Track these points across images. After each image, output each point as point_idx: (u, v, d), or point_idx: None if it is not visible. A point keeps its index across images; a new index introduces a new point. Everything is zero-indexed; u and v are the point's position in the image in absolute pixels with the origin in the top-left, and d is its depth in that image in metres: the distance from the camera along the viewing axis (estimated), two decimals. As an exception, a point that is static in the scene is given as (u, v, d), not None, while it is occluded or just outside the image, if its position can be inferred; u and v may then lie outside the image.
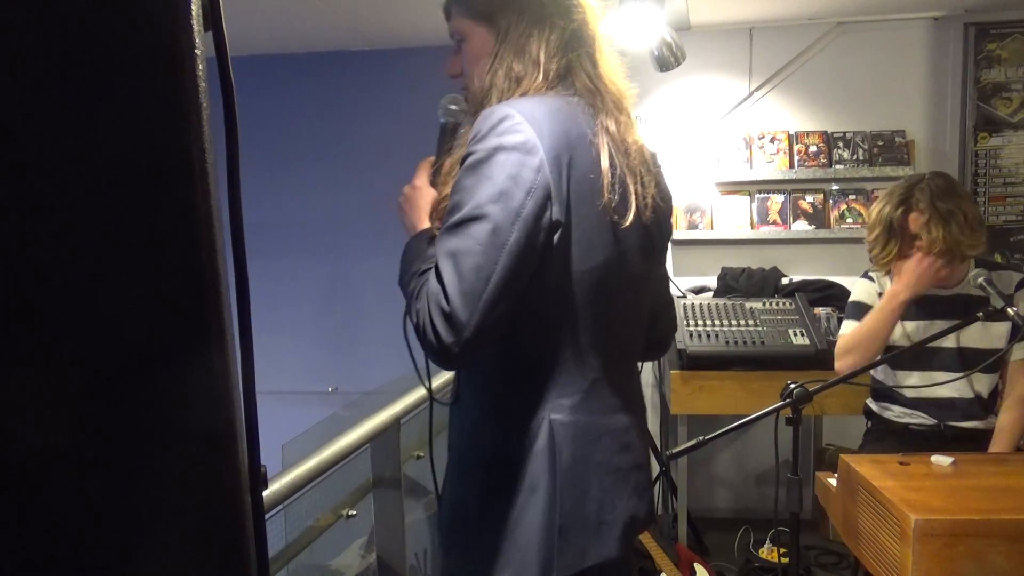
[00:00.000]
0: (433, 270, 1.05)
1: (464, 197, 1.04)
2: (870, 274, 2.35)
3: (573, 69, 1.16)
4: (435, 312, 1.01)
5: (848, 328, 2.33)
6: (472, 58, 1.28)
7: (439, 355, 1.04)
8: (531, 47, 1.15)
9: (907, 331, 2.21)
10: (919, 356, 2.19)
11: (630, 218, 1.12)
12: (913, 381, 2.22)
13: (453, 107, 1.39)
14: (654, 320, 1.32)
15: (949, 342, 2.17)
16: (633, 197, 1.13)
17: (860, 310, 2.32)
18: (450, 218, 1.05)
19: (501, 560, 1.11)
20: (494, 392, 1.16)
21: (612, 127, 1.14)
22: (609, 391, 1.17)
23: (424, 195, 1.29)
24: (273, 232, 4.03)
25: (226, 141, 0.60)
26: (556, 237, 1.06)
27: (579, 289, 1.10)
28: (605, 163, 1.09)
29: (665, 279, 1.38)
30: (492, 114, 1.06)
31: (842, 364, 2.25)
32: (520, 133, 1.04)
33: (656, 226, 1.21)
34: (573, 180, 1.07)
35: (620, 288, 1.16)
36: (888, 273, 2.26)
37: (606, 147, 1.11)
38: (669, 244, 1.34)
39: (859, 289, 2.37)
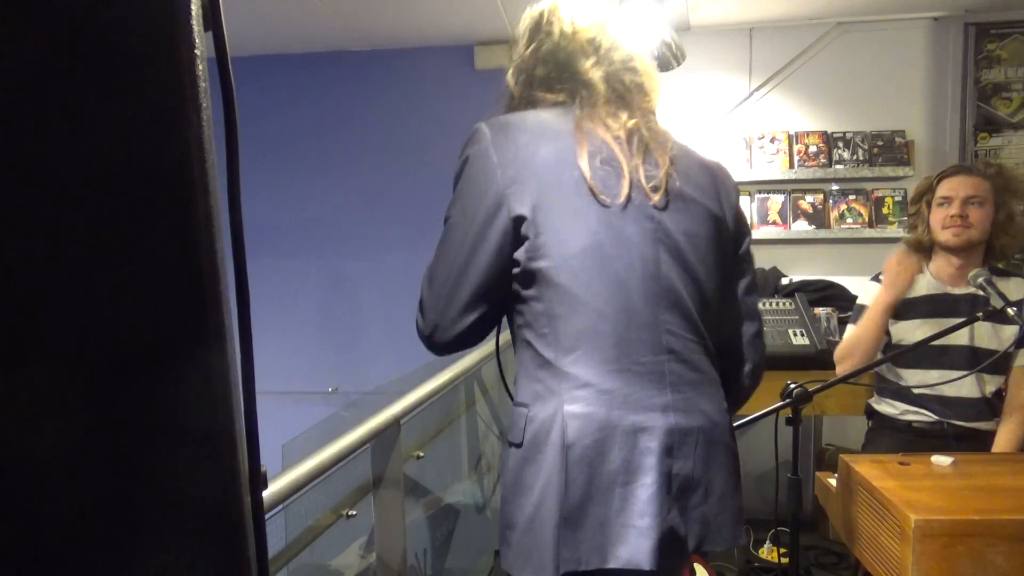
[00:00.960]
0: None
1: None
2: (880, 277, 2.34)
3: (550, 82, 1.26)
4: (417, 313, 1.23)
5: (847, 333, 2.36)
6: None
7: (426, 347, 1.23)
8: (508, 76, 1.31)
9: (919, 329, 2.21)
10: (929, 354, 2.20)
11: (620, 200, 1.15)
12: (919, 378, 2.22)
13: None
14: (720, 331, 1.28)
15: (961, 341, 2.17)
16: (626, 181, 1.16)
17: (862, 314, 2.33)
18: None
19: (520, 540, 1.15)
20: (519, 377, 1.21)
21: (596, 122, 1.19)
22: (639, 387, 1.13)
23: None
24: (273, 232, 4.03)
25: (226, 141, 0.60)
26: (525, 229, 1.13)
27: (567, 275, 1.13)
28: (583, 157, 1.15)
29: (729, 282, 1.31)
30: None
31: (840, 369, 2.27)
32: (477, 143, 1.18)
33: (683, 211, 1.20)
34: (539, 175, 1.14)
35: (622, 275, 1.14)
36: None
37: (584, 141, 1.16)
38: (742, 248, 1.33)
39: (868, 292, 2.37)
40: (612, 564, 1.10)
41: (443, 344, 1.20)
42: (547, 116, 1.21)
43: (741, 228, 1.33)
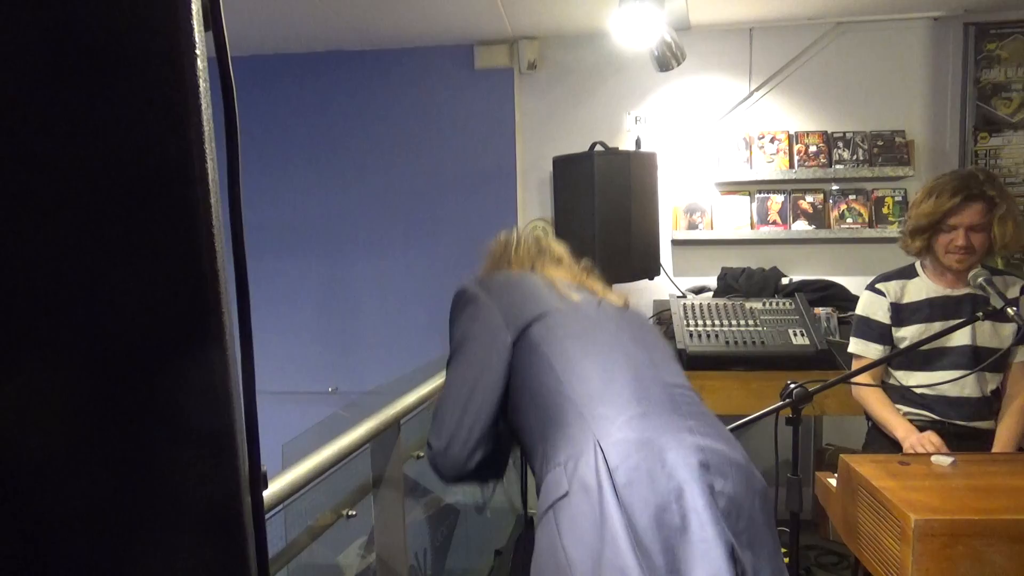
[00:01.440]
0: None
1: None
2: (878, 287, 2.33)
3: (521, 259, 1.59)
4: (431, 440, 1.36)
5: (859, 348, 2.34)
6: None
7: (436, 474, 1.37)
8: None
9: (923, 335, 2.19)
10: (932, 356, 2.20)
11: (597, 301, 1.46)
12: (921, 379, 2.22)
13: None
14: None
15: (963, 341, 2.17)
16: (597, 294, 1.50)
17: (869, 327, 2.32)
18: None
19: None
20: (547, 458, 1.28)
21: (555, 269, 1.56)
22: (660, 412, 1.23)
23: None
24: (273, 232, 4.03)
25: (226, 141, 0.60)
26: (521, 344, 1.34)
27: (563, 336, 1.33)
28: (556, 282, 1.47)
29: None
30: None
31: (854, 394, 2.36)
32: (468, 295, 1.44)
33: (633, 311, 1.53)
34: (525, 296, 1.41)
35: (611, 332, 1.38)
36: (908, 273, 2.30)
37: (553, 280, 1.49)
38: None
39: (866, 303, 2.36)
40: None
41: (457, 464, 1.32)
42: (519, 270, 1.54)
43: None
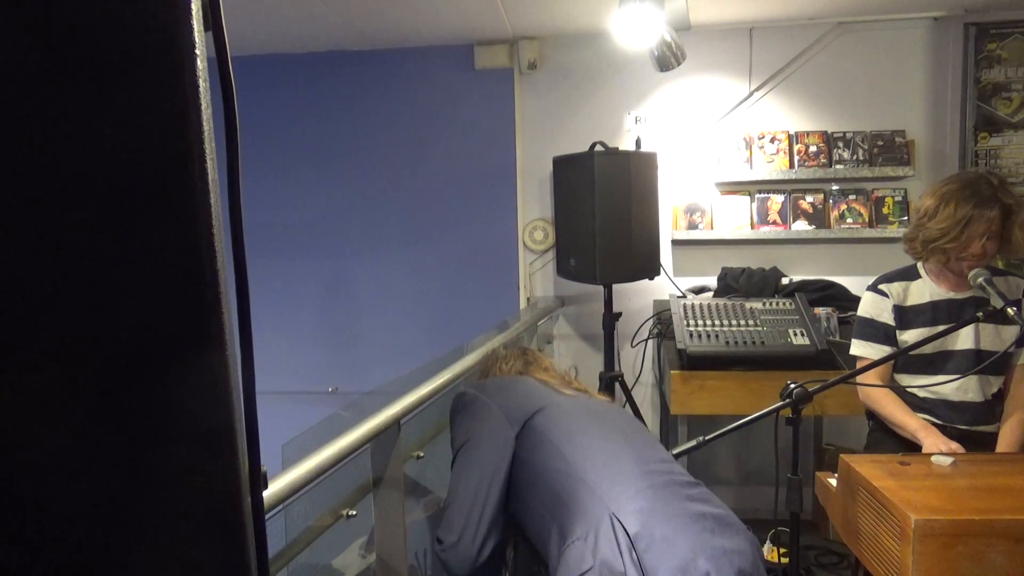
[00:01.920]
0: None
1: None
2: (881, 288, 2.29)
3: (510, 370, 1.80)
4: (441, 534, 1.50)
5: (862, 350, 2.30)
6: None
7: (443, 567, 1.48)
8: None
9: (924, 336, 2.16)
10: (935, 358, 2.18)
11: (587, 396, 1.66)
12: (924, 383, 2.20)
13: None
14: None
15: (967, 345, 2.15)
16: (586, 394, 1.68)
17: (872, 328, 2.28)
18: None
19: None
20: (563, 539, 1.36)
21: (543, 374, 1.75)
22: (662, 484, 1.35)
23: None
24: (273, 232, 4.03)
25: (226, 141, 0.60)
26: (525, 436, 1.47)
27: (562, 422, 1.48)
28: (548, 386, 1.65)
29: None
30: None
31: (861, 396, 2.34)
32: (468, 399, 1.62)
33: (619, 409, 1.73)
34: (519, 395, 1.58)
35: (603, 417, 1.53)
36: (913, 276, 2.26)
37: (546, 379, 1.68)
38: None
39: (869, 304, 2.32)
40: None
41: (469, 558, 1.41)
42: (509, 376, 1.71)
43: None
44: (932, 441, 2.07)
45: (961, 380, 2.16)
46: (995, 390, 2.20)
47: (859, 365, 2.28)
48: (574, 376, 1.79)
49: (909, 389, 2.23)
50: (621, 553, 1.22)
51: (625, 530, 1.24)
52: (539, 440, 1.45)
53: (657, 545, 1.22)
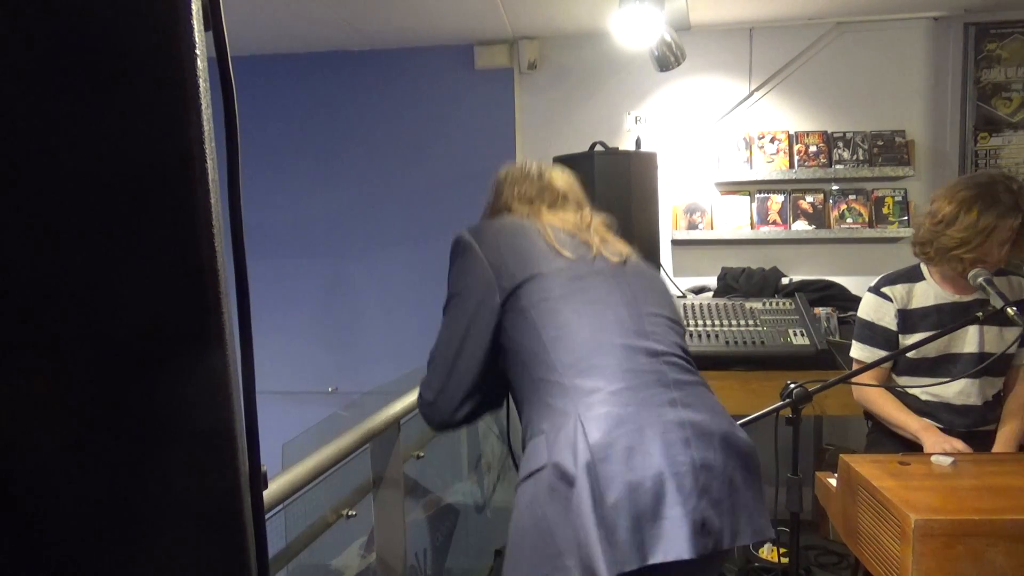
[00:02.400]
0: None
1: None
2: (884, 291, 2.23)
3: (511, 202, 1.56)
4: (422, 389, 1.42)
5: (863, 354, 2.26)
6: None
7: (425, 421, 1.42)
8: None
9: (932, 343, 2.12)
10: (939, 362, 2.16)
11: (591, 256, 1.40)
12: (925, 384, 2.17)
13: None
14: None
15: (971, 348, 2.14)
16: (594, 247, 1.42)
17: (874, 332, 2.24)
18: None
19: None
20: (531, 422, 1.30)
21: (556, 217, 1.48)
22: (644, 386, 1.23)
23: None
24: (273, 232, 4.03)
25: (226, 141, 0.60)
26: (510, 306, 1.33)
27: (553, 303, 1.31)
28: (549, 234, 1.41)
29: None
30: None
31: (856, 396, 2.31)
32: (462, 244, 1.41)
33: (642, 271, 1.46)
34: (516, 251, 1.37)
35: (602, 296, 1.34)
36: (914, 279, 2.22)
37: (546, 226, 1.43)
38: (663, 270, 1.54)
39: (871, 307, 2.26)
40: (652, 560, 1.11)
41: (446, 416, 1.37)
42: (511, 217, 1.49)
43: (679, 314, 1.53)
44: (933, 441, 2.06)
45: (964, 384, 2.14)
46: (994, 391, 2.19)
47: (856, 367, 2.25)
48: (590, 221, 1.50)
49: (911, 391, 2.22)
50: (576, 458, 1.14)
51: (586, 436, 1.16)
52: (522, 316, 1.31)
53: (617, 455, 1.14)
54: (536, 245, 1.38)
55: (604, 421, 1.17)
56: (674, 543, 1.11)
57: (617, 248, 1.45)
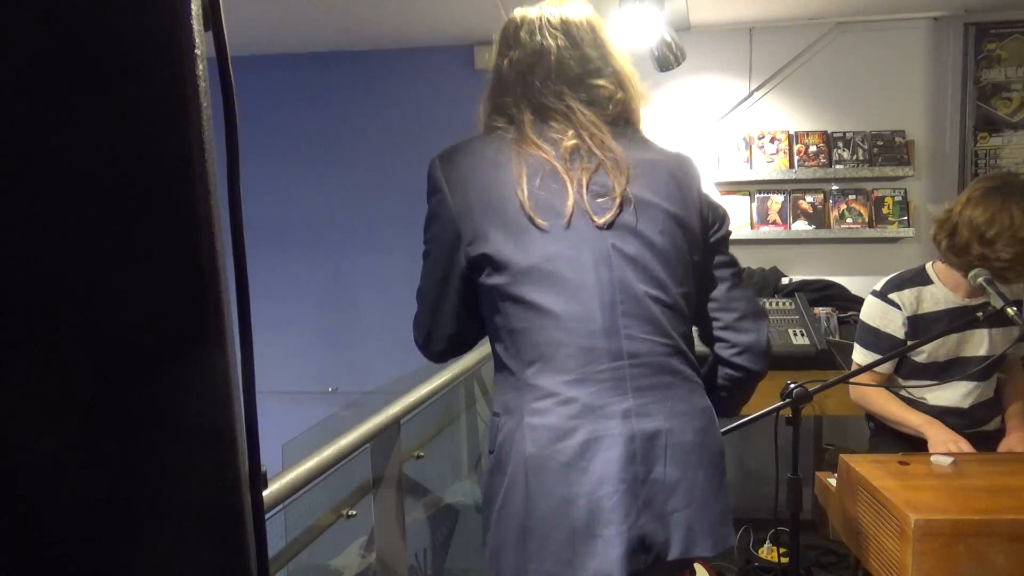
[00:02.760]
0: None
1: None
2: (891, 298, 2.18)
3: (500, 107, 1.37)
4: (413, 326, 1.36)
5: (864, 358, 2.23)
6: None
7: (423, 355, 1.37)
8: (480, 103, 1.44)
9: (941, 348, 2.13)
10: (948, 366, 2.15)
11: (565, 219, 1.18)
12: (943, 396, 2.15)
13: None
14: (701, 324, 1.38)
15: (980, 351, 2.13)
16: (570, 200, 1.19)
17: (878, 339, 2.20)
18: None
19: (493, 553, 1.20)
20: (496, 388, 1.27)
21: (530, 145, 1.23)
22: (599, 395, 1.15)
23: None
24: (273, 232, 4.03)
25: (226, 141, 0.60)
26: (478, 251, 1.19)
27: (520, 290, 1.17)
28: (522, 182, 1.19)
29: (703, 278, 1.36)
30: None
31: (854, 397, 2.28)
32: (431, 177, 1.26)
33: (641, 218, 1.22)
34: (485, 200, 1.20)
35: (574, 285, 1.17)
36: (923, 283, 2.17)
37: (523, 165, 1.21)
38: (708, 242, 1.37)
39: (876, 313, 2.22)
40: None
41: (435, 356, 1.34)
42: (491, 142, 1.27)
43: (712, 216, 1.35)
44: (937, 436, 2.04)
45: (971, 388, 2.13)
46: (995, 386, 2.19)
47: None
48: (581, 138, 1.25)
49: (918, 397, 2.20)
50: (513, 464, 1.14)
51: (526, 445, 1.13)
52: (487, 295, 1.22)
53: (552, 471, 1.11)
54: (508, 205, 1.18)
55: (545, 433, 1.13)
56: (603, 561, 1.10)
57: (608, 184, 1.21)
